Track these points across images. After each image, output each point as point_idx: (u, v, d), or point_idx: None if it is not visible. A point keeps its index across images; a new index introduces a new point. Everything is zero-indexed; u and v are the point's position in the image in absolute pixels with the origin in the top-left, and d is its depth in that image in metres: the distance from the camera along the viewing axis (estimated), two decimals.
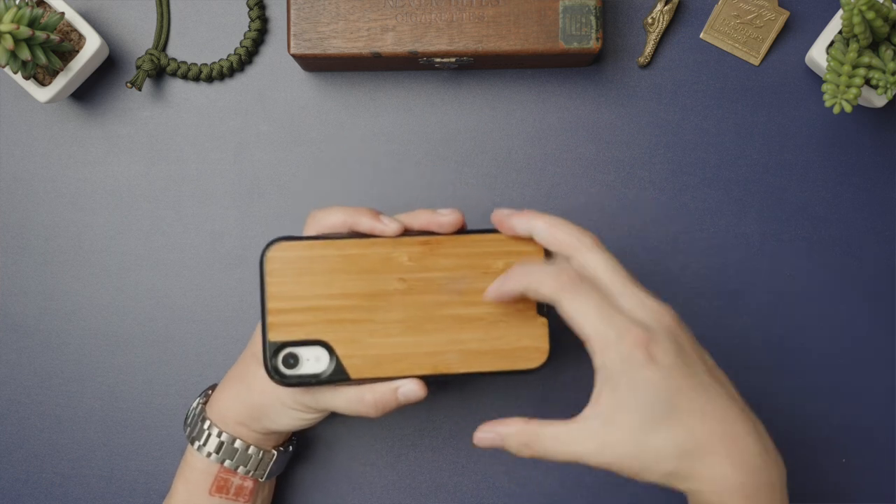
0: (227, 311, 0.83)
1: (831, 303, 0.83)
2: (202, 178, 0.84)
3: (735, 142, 0.84)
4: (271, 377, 0.68)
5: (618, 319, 0.63)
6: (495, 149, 0.84)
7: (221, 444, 0.74)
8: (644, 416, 0.62)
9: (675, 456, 0.63)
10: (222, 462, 0.74)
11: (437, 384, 0.83)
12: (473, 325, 0.69)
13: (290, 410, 0.72)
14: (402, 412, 0.83)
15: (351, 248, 0.69)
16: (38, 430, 0.84)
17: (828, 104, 0.75)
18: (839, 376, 0.83)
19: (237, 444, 0.74)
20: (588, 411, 0.64)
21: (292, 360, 0.68)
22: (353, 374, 0.68)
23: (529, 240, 0.69)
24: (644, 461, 0.63)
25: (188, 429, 0.76)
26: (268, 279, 0.68)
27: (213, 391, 0.78)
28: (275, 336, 0.68)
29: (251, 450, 0.74)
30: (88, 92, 0.84)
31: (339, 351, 0.68)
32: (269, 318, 0.68)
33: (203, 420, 0.75)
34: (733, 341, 0.83)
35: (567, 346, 0.81)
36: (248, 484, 0.75)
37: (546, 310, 0.69)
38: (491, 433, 0.66)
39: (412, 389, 0.69)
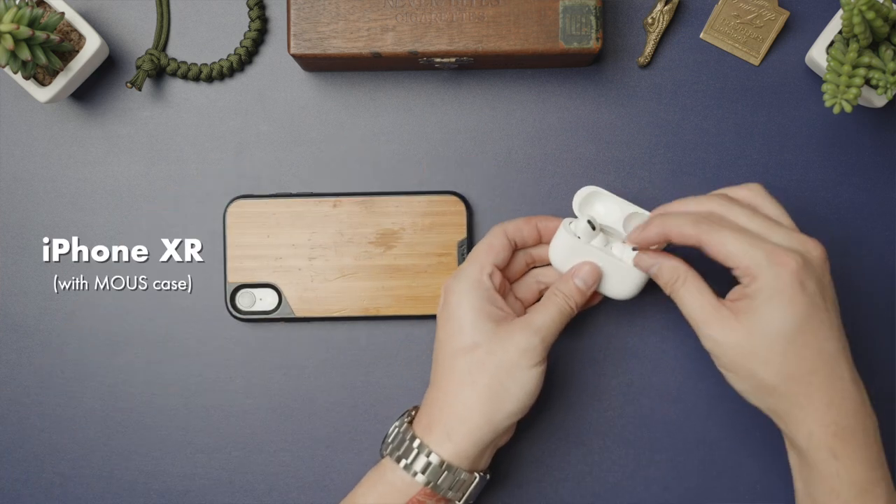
0: (227, 310, 0.83)
1: None
2: (202, 178, 0.84)
3: (735, 142, 0.84)
4: (230, 313, 0.82)
5: (767, 245, 0.69)
6: (495, 149, 0.84)
7: (429, 464, 0.73)
8: (774, 332, 0.68)
9: (778, 375, 0.69)
10: (427, 484, 0.73)
11: None
12: (401, 274, 0.82)
13: (526, 371, 0.73)
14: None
15: (298, 206, 0.82)
16: (38, 430, 0.84)
17: (828, 104, 0.75)
18: None
19: (445, 465, 0.73)
20: (729, 303, 0.70)
21: (247, 299, 0.81)
22: (297, 313, 0.81)
23: (454, 200, 0.82)
24: (752, 364, 0.69)
25: (391, 447, 0.75)
26: (228, 231, 0.81)
27: (416, 411, 0.77)
28: (233, 278, 0.82)
29: (458, 472, 0.73)
30: (88, 92, 0.84)
31: (285, 293, 0.81)
32: (229, 264, 0.82)
33: (413, 439, 0.74)
34: None
35: None
36: None
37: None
38: (653, 259, 0.74)
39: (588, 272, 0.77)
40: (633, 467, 0.83)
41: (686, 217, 0.72)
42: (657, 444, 0.83)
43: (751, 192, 0.74)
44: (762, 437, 0.83)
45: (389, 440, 0.75)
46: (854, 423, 0.69)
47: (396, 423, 0.76)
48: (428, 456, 0.73)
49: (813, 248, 0.70)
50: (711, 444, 0.83)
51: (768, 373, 0.69)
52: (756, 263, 0.68)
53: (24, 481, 0.83)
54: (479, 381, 0.73)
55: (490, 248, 0.77)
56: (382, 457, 0.76)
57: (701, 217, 0.71)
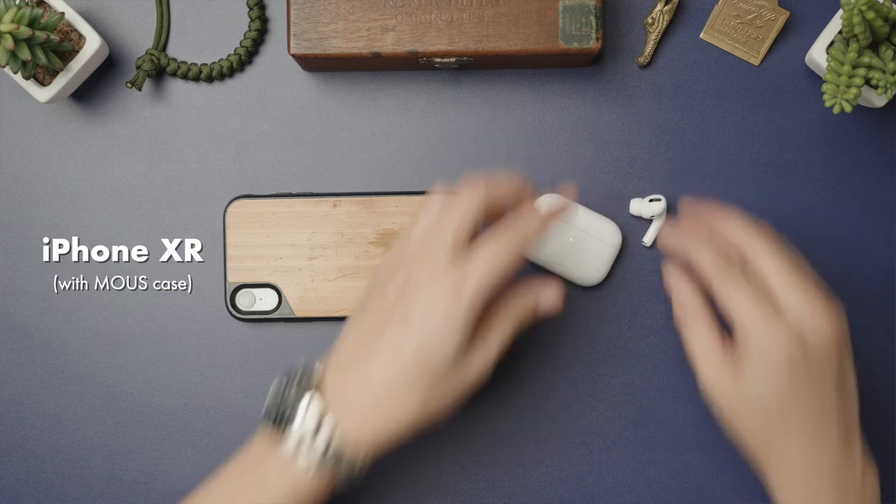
0: (227, 310, 0.83)
1: None
2: (202, 178, 0.84)
3: (735, 142, 0.84)
4: (230, 313, 0.82)
5: (771, 314, 0.68)
6: (495, 149, 0.84)
7: (348, 467, 0.68)
8: (755, 406, 0.69)
9: (756, 441, 0.70)
10: (334, 476, 0.68)
11: None
12: None
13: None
14: None
15: (298, 206, 0.82)
16: (38, 430, 0.84)
17: (828, 104, 0.75)
18: None
19: (359, 467, 0.69)
20: (731, 356, 0.70)
21: (247, 299, 0.81)
22: (297, 313, 0.82)
23: None
24: (735, 424, 0.71)
25: (299, 443, 0.68)
26: (228, 230, 0.81)
27: (321, 370, 0.70)
28: (233, 278, 0.82)
29: (360, 463, 0.69)
30: (88, 92, 0.84)
31: (285, 293, 0.81)
32: (228, 263, 0.82)
33: (332, 438, 0.68)
34: None
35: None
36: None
37: None
38: (673, 281, 0.73)
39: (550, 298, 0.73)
40: (633, 467, 0.83)
41: (709, 259, 0.71)
42: (657, 444, 0.83)
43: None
44: None
45: (295, 425, 0.68)
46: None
47: (297, 402, 0.68)
48: (347, 458, 0.68)
49: (821, 326, 0.68)
50: (711, 444, 0.83)
51: (747, 436, 0.71)
52: (755, 337, 0.68)
53: (24, 481, 0.83)
54: (437, 395, 0.69)
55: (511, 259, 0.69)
56: (268, 438, 0.69)
57: (723, 264, 0.70)
